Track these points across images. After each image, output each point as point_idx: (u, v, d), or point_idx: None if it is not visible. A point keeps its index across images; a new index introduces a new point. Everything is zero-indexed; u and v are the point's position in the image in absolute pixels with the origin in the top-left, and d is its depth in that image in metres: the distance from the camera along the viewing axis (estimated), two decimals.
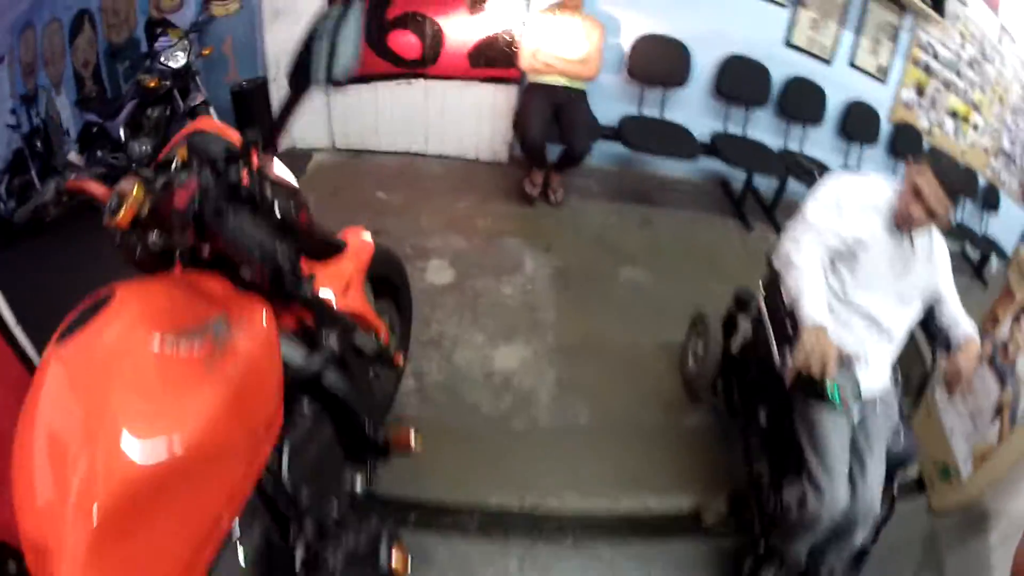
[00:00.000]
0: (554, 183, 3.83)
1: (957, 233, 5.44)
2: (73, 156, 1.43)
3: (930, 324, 2.37)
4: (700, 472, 2.65)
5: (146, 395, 1.01)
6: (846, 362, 2.18)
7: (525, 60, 3.66)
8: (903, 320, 2.27)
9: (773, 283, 2.33)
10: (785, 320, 2.22)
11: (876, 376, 2.25)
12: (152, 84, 3.39)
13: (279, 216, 1.29)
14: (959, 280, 3.24)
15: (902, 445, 2.28)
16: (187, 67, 3.45)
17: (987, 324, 3.13)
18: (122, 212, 1.15)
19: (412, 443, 1.93)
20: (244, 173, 1.27)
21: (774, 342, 2.31)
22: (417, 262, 3.21)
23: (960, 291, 2.48)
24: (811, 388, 2.05)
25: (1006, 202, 5.90)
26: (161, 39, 3.47)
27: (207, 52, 3.60)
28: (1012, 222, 5.44)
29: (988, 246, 5.45)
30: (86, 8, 3.26)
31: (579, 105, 3.69)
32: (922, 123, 5.29)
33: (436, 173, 3.90)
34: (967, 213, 5.68)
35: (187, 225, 1.21)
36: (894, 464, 2.30)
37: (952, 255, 5.59)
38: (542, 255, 3.48)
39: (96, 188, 1.27)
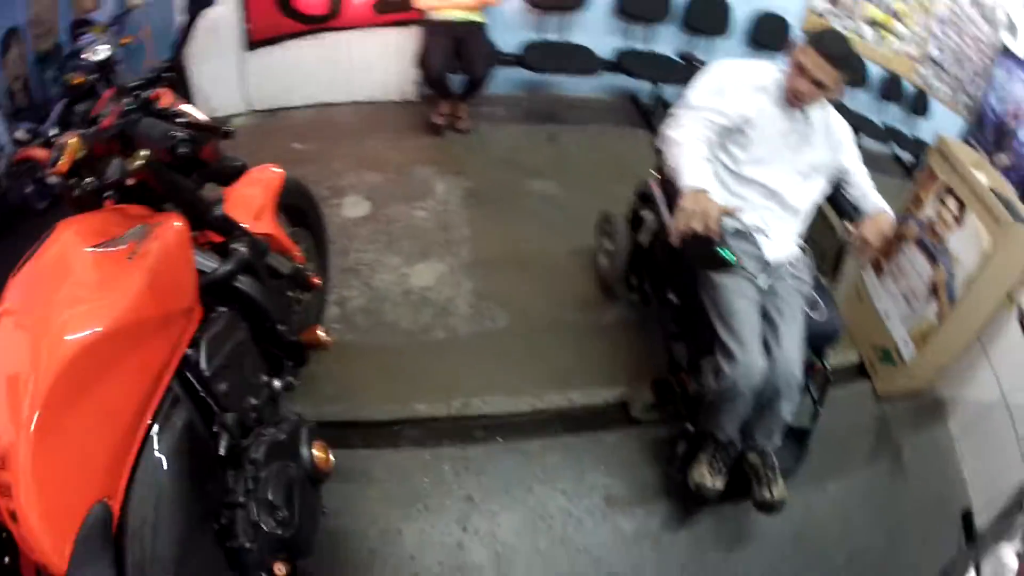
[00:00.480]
0: (461, 112, 3.92)
1: (887, 135, 5.55)
2: (19, 133, 1.56)
3: (840, 200, 2.41)
4: (623, 365, 2.73)
5: (78, 287, 1.20)
6: (746, 233, 2.24)
7: (420, 1, 3.72)
8: (806, 195, 2.31)
9: (662, 167, 2.38)
10: (675, 197, 2.24)
11: (780, 246, 2.29)
12: (77, 81, 3.39)
13: (184, 121, 1.55)
14: (891, 181, 3.29)
15: (823, 317, 2.29)
16: (108, 59, 3.46)
17: (911, 207, 3.17)
18: (62, 160, 1.33)
19: (323, 337, 2.07)
20: (157, 98, 1.54)
21: (668, 220, 2.36)
22: (333, 200, 3.27)
23: (892, 191, 2.49)
24: (705, 258, 2.07)
25: (939, 108, 6.02)
26: (83, 37, 3.48)
27: (126, 41, 3.61)
28: (943, 126, 5.33)
29: (919, 148, 5.53)
30: (14, 25, 3.26)
31: (477, 36, 3.77)
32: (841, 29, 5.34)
33: (349, 119, 3.96)
34: (896, 118, 5.78)
35: (113, 138, 1.42)
36: (819, 338, 2.31)
37: (883, 158, 5.64)
38: (453, 179, 3.56)
39: (40, 152, 1.43)
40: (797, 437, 2.43)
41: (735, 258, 2.03)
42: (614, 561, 2.27)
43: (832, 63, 2.04)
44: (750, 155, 2.20)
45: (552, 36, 4.28)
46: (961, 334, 3.08)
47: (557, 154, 3.96)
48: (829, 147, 2.30)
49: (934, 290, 3.05)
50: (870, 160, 2.49)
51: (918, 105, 5.94)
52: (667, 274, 2.56)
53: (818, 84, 2.07)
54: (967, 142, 3.62)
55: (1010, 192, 2.98)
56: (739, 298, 2.12)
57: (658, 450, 2.52)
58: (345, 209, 3.27)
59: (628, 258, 2.82)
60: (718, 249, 2.03)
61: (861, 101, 5.52)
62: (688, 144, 2.11)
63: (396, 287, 2.90)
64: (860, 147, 2.55)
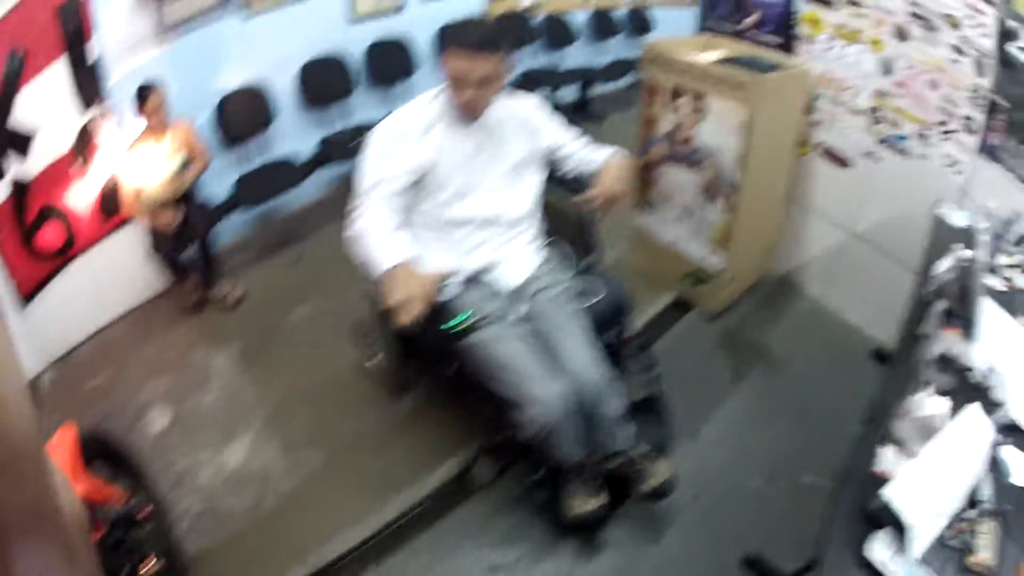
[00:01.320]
0: (212, 278, 3.95)
1: (613, 72, 5.66)
2: None
3: (566, 179, 2.34)
4: (446, 445, 2.83)
5: None
6: (476, 277, 2.21)
7: (133, 208, 3.72)
8: (523, 197, 2.25)
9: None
10: None
11: (518, 267, 2.27)
12: None
13: None
14: (626, 116, 3.10)
15: (604, 296, 2.28)
16: None
17: (646, 129, 3.13)
18: None
19: (161, 568, 2.17)
20: None
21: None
22: (139, 422, 3.32)
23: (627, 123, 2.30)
24: (440, 335, 2.07)
25: (663, 15, 6.07)
26: None
27: None
28: (675, 28, 5.13)
29: None
30: None
31: (190, 201, 3.81)
32: (524, 3, 5.53)
33: (125, 333, 3.98)
34: (625, 47, 5.90)
35: None
36: (610, 317, 2.32)
37: (619, 93, 5.49)
38: (225, 347, 3.66)
39: None
40: (650, 408, 2.46)
41: (469, 315, 2.03)
42: None
43: (479, 51, 1.92)
44: (450, 192, 2.13)
45: (258, 161, 4.32)
46: (766, 210, 3.09)
47: (308, 272, 4.06)
48: (525, 137, 2.22)
49: (708, 192, 3.00)
50: (610, 101, 2.43)
51: (636, 25, 6.08)
52: (429, 356, 2.51)
53: (481, 82, 1.96)
54: (708, 29, 3.50)
55: (758, 49, 3.00)
56: (502, 344, 2.06)
57: (517, 503, 2.58)
58: (151, 425, 3.32)
59: (397, 351, 2.80)
60: (447, 323, 2.02)
61: (578, 54, 5.63)
62: (371, 229, 2.02)
63: (218, 478, 2.99)
64: (593, 97, 2.45)
